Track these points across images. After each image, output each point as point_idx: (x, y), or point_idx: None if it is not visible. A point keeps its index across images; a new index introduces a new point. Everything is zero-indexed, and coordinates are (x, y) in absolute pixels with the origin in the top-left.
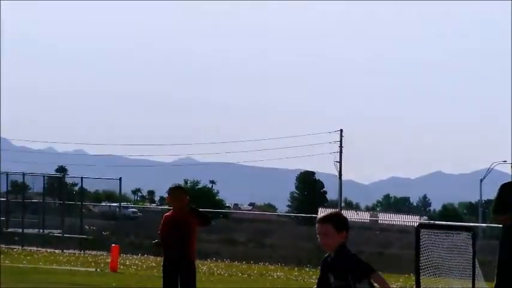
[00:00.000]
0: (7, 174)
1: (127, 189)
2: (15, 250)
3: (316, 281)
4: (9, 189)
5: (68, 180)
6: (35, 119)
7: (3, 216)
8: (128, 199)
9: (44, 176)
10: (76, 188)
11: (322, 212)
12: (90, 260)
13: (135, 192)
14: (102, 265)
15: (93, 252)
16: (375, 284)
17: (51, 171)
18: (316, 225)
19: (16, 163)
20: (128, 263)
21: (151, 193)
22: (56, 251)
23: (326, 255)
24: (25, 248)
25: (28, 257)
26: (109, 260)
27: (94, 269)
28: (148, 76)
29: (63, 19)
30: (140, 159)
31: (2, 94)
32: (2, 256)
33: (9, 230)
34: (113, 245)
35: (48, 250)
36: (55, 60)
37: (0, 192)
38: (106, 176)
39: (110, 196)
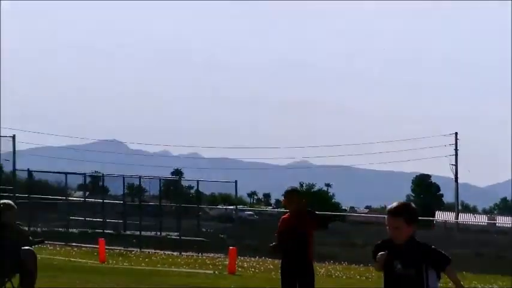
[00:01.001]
0: (123, 177)
1: (243, 192)
2: (133, 252)
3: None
4: (126, 192)
5: (184, 183)
6: (150, 123)
7: (120, 218)
8: (244, 202)
9: (160, 179)
10: (192, 191)
11: (439, 216)
12: (207, 262)
13: (251, 195)
14: (220, 267)
15: (211, 255)
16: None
17: (167, 174)
18: (387, 217)
19: (132, 166)
20: (245, 265)
21: (267, 196)
22: (174, 253)
23: (379, 242)
24: (143, 250)
25: (146, 259)
26: (227, 262)
27: (212, 272)
28: (263, 81)
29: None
30: (256, 162)
31: (120, 98)
32: (120, 258)
33: (127, 232)
34: (231, 247)
35: (166, 252)
36: (172, 65)
37: (117, 195)
38: (221, 179)
39: (226, 199)
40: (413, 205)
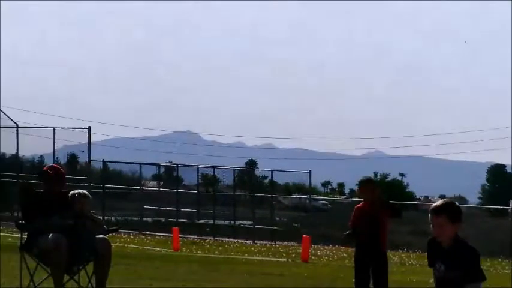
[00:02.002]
0: (198, 167)
1: (317, 182)
2: (206, 241)
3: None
4: (200, 182)
5: (258, 173)
6: (225, 114)
7: (194, 208)
8: (318, 191)
9: (234, 169)
10: (266, 181)
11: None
12: (281, 250)
13: (324, 184)
14: (294, 255)
15: (284, 243)
16: None
17: (241, 165)
18: (430, 216)
19: (206, 157)
20: (319, 253)
21: (341, 186)
22: (247, 241)
23: (430, 238)
24: (216, 238)
25: (220, 248)
26: (300, 251)
27: (285, 260)
28: (341, 72)
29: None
30: (330, 152)
31: (195, 90)
32: (194, 246)
33: (201, 221)
34: (304, 235)
35: (240, 241)
36: (251, 61)
37: (191, 185)
38: (295, 169)
39: (300, 188)
40: (457, 204)
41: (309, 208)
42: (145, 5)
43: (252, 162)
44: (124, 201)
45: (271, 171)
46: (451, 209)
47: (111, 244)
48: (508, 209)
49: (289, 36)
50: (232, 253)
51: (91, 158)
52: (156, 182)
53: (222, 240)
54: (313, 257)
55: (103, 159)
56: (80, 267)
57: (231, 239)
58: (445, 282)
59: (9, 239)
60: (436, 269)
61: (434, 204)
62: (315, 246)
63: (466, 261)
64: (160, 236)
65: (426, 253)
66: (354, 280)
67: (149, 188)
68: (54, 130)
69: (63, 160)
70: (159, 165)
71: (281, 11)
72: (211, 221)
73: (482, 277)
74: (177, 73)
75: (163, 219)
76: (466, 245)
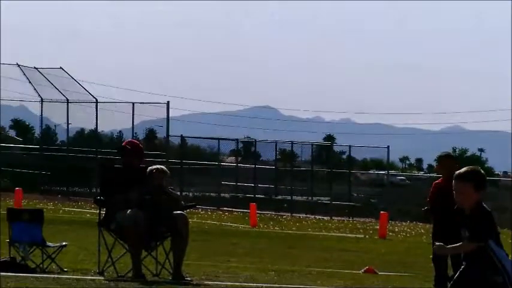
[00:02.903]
0: (276, 143)
1: (395, 157)
2: (284, 217)
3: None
4: (278, 157)
5: (336, 148)
6: (303, 89)
7: (272, 183)
8: (396, 167)
9: (312, 145)
10: (344, 156)
11: None
12: (358, 226)
13: (402, 160)
14: (371, 232)
15: (362, 219)
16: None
17: (319, 140)
18: (454, 182)
19: (284, 132)
20: (396, 229)
21: (419, 161)
22: (324, 217)
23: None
24: (294, 214)
25: (297, 224)
26: (377, 227)
27: (363, 236)
28: (418, 48)
29: None
30: (408, 127)
31: (273, 65)
32: (271, 222)
33: (278, 197)
34: (382, 212)
35: (317, 217)
36: (341, 36)
37: (269, 160)
38: (373, 145)
39: (377, 164)
40: (482, 171)
41: (387, 184)
42: None
43: (330, 138)
44: (202, 177)
45: (349, 146)
46: (476, 177)
47: (189, 220)
48: None
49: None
50: (310, 229)
51: (169, 133)
52: (233, 158)
53: (299, 216)
54: (390, 233)
55: (181, 135)
56: (158, 243)
57: (308, 215)
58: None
59: (88, 215)
60: (462, 237)
61: (458, 171)
62: (393, 222)
63: (475, 222)
64: (237, 212)
65: (496, 227)
66: (431, 257)
67: (227, 164)
68: (133, 105)
69: (141, 135)
70: (237, 140)
71: None
72: (289, 197)
73: (479, 238)
74: (255, 47)
75: (240, 195)
76: (483, 209)
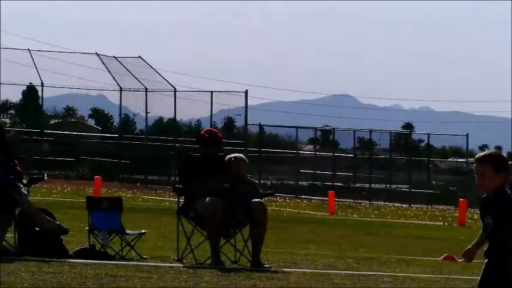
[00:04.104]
0: (354, 131)
1: (474, 145)
2: (362, 204)
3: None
4: (356, 145)
5: (415, 136)
6: (381, 77)
7: (350, 172)
8: (475, 155)
9: (390, 133)
10: (422, 144)
11: None
12: (437, 214)
13: (482, 148)
14: (450, 219)
15: (441, 207)
16: None
17: (398, 128)
18: (475, 165)
19: (363, 120)
20: (475, 217)
21: (498, 149)
22: (403, 205)
23: (484, 195)
24: (372, 202)
25: (375, 211)
26: (457, 214)
27: (441, 223)
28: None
29: None
30: (487, 115)
31: (350, 52)
32: (350, 210)
33: (357, 185)
34: (461, 199)
35: (395, 204)
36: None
37: (347, 148)
38: (452, 133)
39: (456, 152)
40: (503, 155)
41: (466, 172)
42: None
43: (408, 126)
44: (280, 165)
45: (428, 134)
46: (495, 159)
47: (267, 208)
48: None
49: None
50: (388, 217)
51: (247, 122)
52: (312, 146)
53: (378, 204)
54: (469, 221)
55: (260, 123)
56: (236, 231)
57: (386, 203)
58: (495, 234)
59: (167, 203)
60: (487, 224)
61: (478, 154)
62: (472, 209)
63: (507, 210)
64: (316, 199)
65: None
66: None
67: (305, 152)
68: (211, 94)
69: (219, 124)
70: (315, 129)
71: None
72: (367, 185)
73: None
74: (335, 37)
75: (319, 183)
76: (506, 194)
